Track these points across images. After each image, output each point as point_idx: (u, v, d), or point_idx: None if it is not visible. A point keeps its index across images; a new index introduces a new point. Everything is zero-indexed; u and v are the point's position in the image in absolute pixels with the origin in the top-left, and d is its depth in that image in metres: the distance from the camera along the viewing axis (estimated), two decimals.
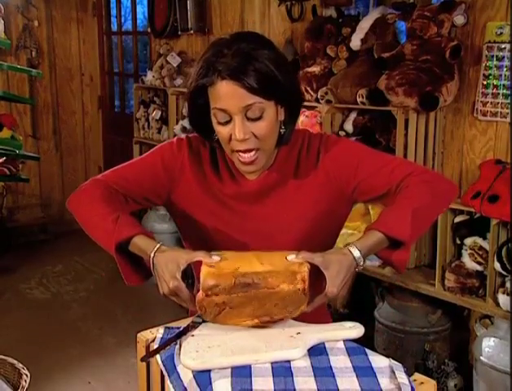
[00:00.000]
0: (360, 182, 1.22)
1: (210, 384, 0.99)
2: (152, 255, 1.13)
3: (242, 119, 1.14)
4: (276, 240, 1.24)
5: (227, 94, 1.12)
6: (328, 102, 2.69)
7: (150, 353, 1.12)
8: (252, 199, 1.26)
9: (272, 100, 1.15)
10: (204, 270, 1.07)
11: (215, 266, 1.06)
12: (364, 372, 1.02)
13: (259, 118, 1.14)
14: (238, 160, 1.20)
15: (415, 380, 1.05)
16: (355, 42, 2.64)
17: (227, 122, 1.15)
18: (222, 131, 1.17)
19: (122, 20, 4.73)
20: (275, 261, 1.08)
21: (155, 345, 1.13)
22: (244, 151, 1.17)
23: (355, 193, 1.24)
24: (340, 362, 1.06)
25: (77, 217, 1.24)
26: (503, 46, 2.31)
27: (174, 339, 1.11)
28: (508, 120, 2.33)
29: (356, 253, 1.10)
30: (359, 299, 2.83)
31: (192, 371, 1.03)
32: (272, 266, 1.07)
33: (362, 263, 1.11)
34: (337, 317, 2.60)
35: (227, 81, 1.11)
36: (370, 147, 1.28)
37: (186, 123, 3.62)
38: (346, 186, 1.23)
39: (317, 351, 1.09)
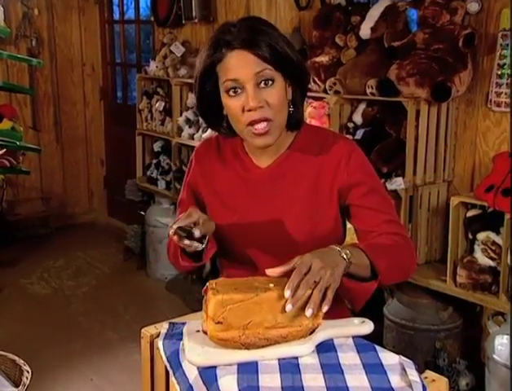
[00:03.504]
0: (356, 207, 1.28)
1: (216, 380, 0.99)
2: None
3: (254, 87, 1.19)
4: (286, 230, 1.27)
5: (237, 63, 1.18)
6: (337, 93, 2.68)
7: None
8: (261, 187, 1.30)
9: (281, 72, 1.20)
10: (210, 325, 1.04)
11: (223, 322, 1.03)
12: (374, 369, 1.02)
13: (271, 85, 1.19)
14: (251, 134, 1.22)
15: (426, 378, 1.05)
16: (365, 31, 2.63)
17: (239, 94, 1.19)
18: (234, 104, 1.21)
19: (125, 9, 4.72)
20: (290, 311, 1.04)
21: (159, 341, 1.13)
22: (259, 121, 1.20)
23: (346, 210, 1.30)
24: (349, 358, 1.06)
25: (172, 263, 1.37)
26: None
27: None
28: None
29: (335, 246, 1.11)
30: None
31: (198, 368, 1.03)
32: (285, 319, 1.04)
33: (345, 251, 1.09)
34: None
35: (238, 51, 1.18)
36: (382, 186, 1.37)
37: (190, 114, 3.61)
38: (344, 198, 1.29)
39: (325, 347, 1.09)
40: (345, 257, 1.09)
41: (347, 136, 2.59)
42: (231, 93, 1.20)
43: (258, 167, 1.32)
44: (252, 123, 1.20)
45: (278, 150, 1.30)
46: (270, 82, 1.19)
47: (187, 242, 1.13)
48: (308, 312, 1.02)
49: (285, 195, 1.29)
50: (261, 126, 1.20)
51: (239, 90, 1.19)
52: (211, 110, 1.26)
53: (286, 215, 1.28)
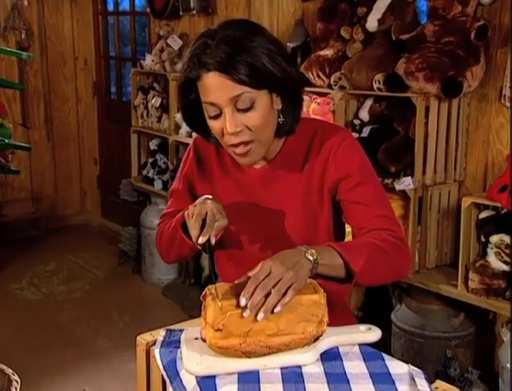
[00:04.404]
0: (345, 203, 1.27)
1: (216, 390, 1.00)
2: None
3: (232, 111, 1.17)
4: (280, 232, 1.29)
5: (214, 87, 1.16)
6: (342, 88, 2.69)
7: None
8: (256, 189, 1.32)
9: (264, 89, 1.18)
10: (209, 333, 1.05)
11: (222, 330, 1.04)
12: (382, 379, 1.02)
13: (250, 108, 1.18)
14: (234, 154, 1.24)
15: (437, 388, 1.05)
16: (372, 23, 2.63)
17: (218, 116, 1.19)
18: (214, 126, 1.22)
19: None
20: (293, 317, 1.05)
21: (155, 349, 1.13)
22: (238, 145, 1.21)
23: (339, 206, 1.30)
24: (355, 367, 1.06)
25: (162, 253, 1.39)
26: None
27: None
28: None
29: (301, 247, 1.12)
30: (375, 301, 2.82)
31: (196, 377, 1.04)
32: (288, 326, 1.05)
33: (311, 252, 1.10)
34: None
35: (213, 74, 1.15)
36: (377, 177, 1.32)
37: None
38: (335, 194, 1.29)
39: (330, 356, 1.09)
40: (310, 258, 1.09)
41: (354, 133, 2.59)
42: (211, 114, 1.21)
43: (252, 168, 1.33)
44: (233, 145, 1.22)
45: (270, 153, 1.30)
46: (249, 106, 1.17)
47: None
48: (259, 316, 1.02)
49: (278, 198, 1.30)
50: (241, 149, 1.22)
51: (218, 112, 1.19)
52: (198, 117, 1.26)
53: (279, 217, 1.29)
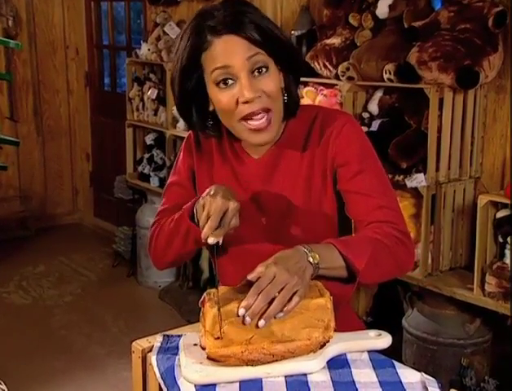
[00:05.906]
0: (346, 193, 1.27)
1: None
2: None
3: (248, 75, 1.19)
4: (282, 223, 1.30)
5: (227, 49, 1.19)
6: (350, 79, 2.68)
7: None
8: (256, 178, 1.32)
9: (272, 57, 1.22)
10: (209, 341, 1.05)
11: (223, 338, 1.04)
12: (392, 388, 1.02)
13: (266, 71, 1.21)
14: (247, 130, 1.23)
15: None
16: (382, 9, 2.63)
17: (231, 85, 1.20)
18: (225, 97, 1.21)
19: None
20: (297, 323, 1.06)
21: (152, 356, 1.14)
22: (256, 114, 1.20)
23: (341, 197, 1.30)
24: (364, 375, 1.06)
25: (157, 253, 1.34)
26: None
27: None
28: None
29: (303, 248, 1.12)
30: (385, 305, 2.82)
31: (195, 386, 1.04)
32: (292, 332, 1.05)
33: (313, 254, 1.10)
34: None
35: (225, 36, 1.19)
36: (380, 164, 1.32)
37: None
38: (336, 182, 1.29)
39: (338, 363, 1.09)
40: (311, 260, 1.10)
41: (362, 127, 2.59)
42: (221, 85, 1.20)
43: (251, 157, 1.33)
44: (247, 117, 1.21)
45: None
46: (264, 69, 1.20)
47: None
48: (260, 323, 1.03)
49: (279, 185, 1.31)
50: (260, 120, 1.21)
51: (230, 81, 1.19)
52: (195, 108, 1.26)
53: (280, 207, 1.30)
